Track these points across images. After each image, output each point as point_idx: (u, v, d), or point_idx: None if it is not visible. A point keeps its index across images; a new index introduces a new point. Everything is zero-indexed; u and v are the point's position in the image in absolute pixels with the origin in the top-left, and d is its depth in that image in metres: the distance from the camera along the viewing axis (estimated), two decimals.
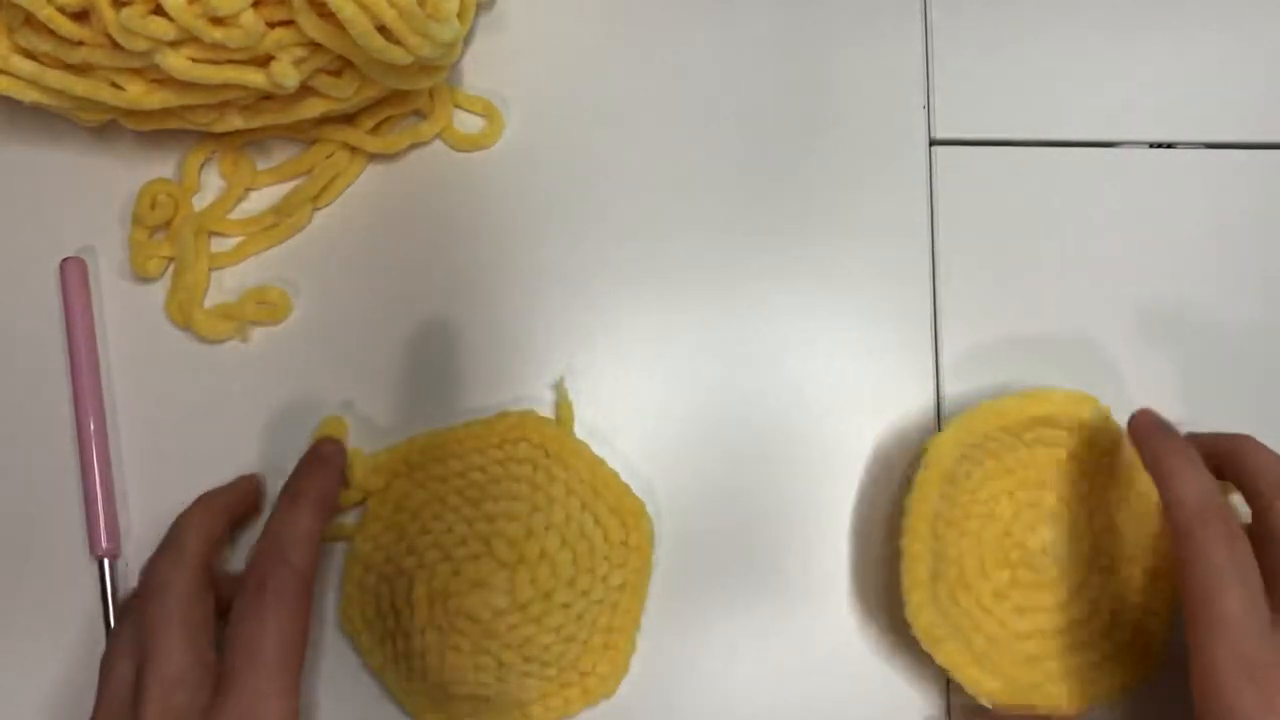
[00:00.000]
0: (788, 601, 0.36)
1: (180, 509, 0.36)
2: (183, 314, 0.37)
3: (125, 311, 0.38)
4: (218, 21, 0.33)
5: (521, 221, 0.38)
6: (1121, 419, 0.37)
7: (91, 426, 0.36)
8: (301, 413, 0.37)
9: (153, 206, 0.38)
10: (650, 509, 0.36)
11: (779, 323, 0.38)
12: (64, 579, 0.36)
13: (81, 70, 0.34)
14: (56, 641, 0.35)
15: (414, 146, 0.39)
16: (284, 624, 0.30)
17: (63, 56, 0.34)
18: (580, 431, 0.37)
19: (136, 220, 0.38)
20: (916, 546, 0.33)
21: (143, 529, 0.36)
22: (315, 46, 0.34)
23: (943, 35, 0.40)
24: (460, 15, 0.35)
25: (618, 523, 0.35)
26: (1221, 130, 0.39)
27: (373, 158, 0.39)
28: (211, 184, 0.39)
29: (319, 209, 0.38)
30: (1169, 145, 0.39)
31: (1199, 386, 0.37)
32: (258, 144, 0.39)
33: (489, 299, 0.38)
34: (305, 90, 0.36)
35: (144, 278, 0.37)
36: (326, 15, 0.33)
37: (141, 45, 0.33)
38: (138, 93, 0.35)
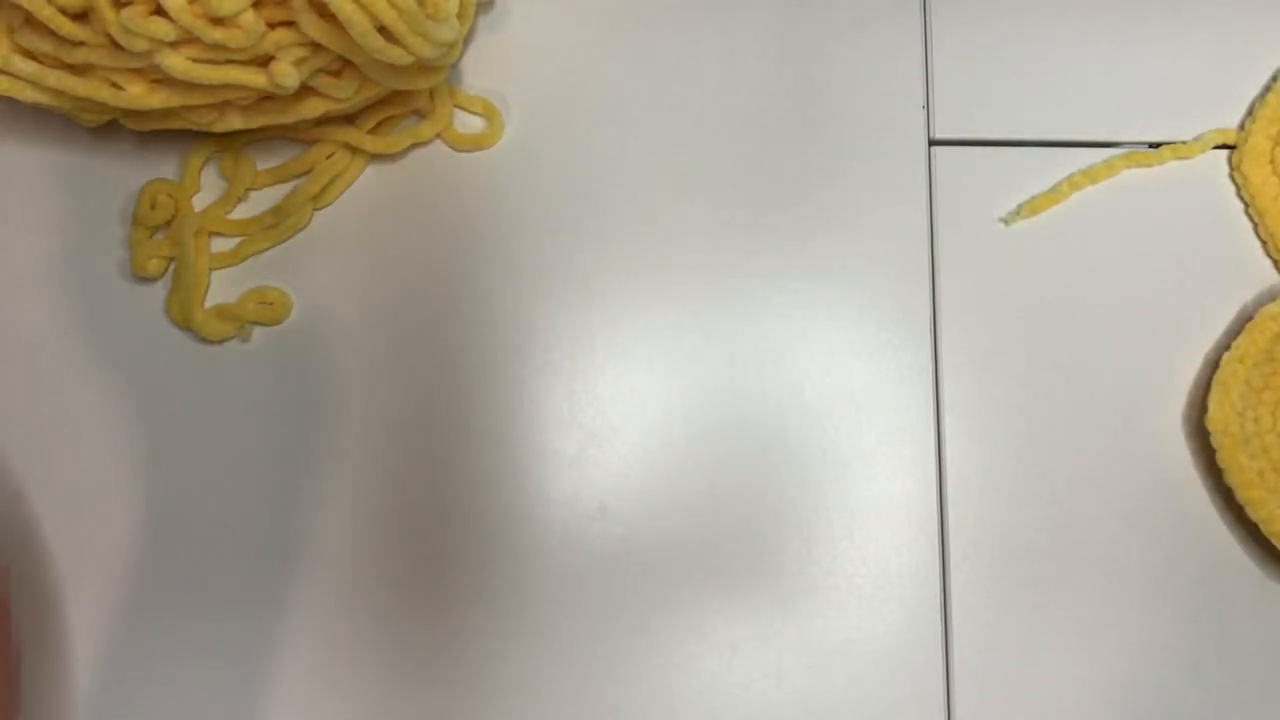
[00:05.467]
0: (788, 601, 0.36)
1: (182, 508, 0.36)
2: (183, 314, 0.37)
3: (125, 311, 0.38)
4: (218, 22, 0.33)
5: (521, 221, 0.38)
6: (1122, 417, 0.37)
7: None
8: (301, 413, 0.37)
9: (153, 206, 0.38)
10: (650, 509, 0.36)
11: (779, 323, 0.38)
12: None
13: (82, 71, 0.35)
14: None
15: (414, 146, 0.39)
16: None
17: (63, 57, 0.34)
18: (579, 432, 0.37)
19: (136, 220, 0.38)
20: (1229, 378, 0.35)
21: (141, 529, 0.36)
22: (315, 47, 0.34)
23: (943, 35, 0.40)
24: (460, 15, 0.35)
25: None
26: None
27: (373, 158, 0.39)
28: (211, 184, 0.39)
29: (319, 209, 0.38)
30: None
31: (1199, 383, 0.37)
32: (258, 144, 0.39)
33: (489, 299, 0.38)
34: (305, 90, 0.36)
35: (144, 278, 0.37)
36: (327, 15, 0.33)
37: (142, 45, 0.33)
38: (138, 93, 0.35)
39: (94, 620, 0.35)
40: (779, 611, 0.36)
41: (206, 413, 0.37)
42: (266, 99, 0.36)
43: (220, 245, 0.38)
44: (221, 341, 0.37)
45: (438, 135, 0.39)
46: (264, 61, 0.34)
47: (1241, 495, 0.35)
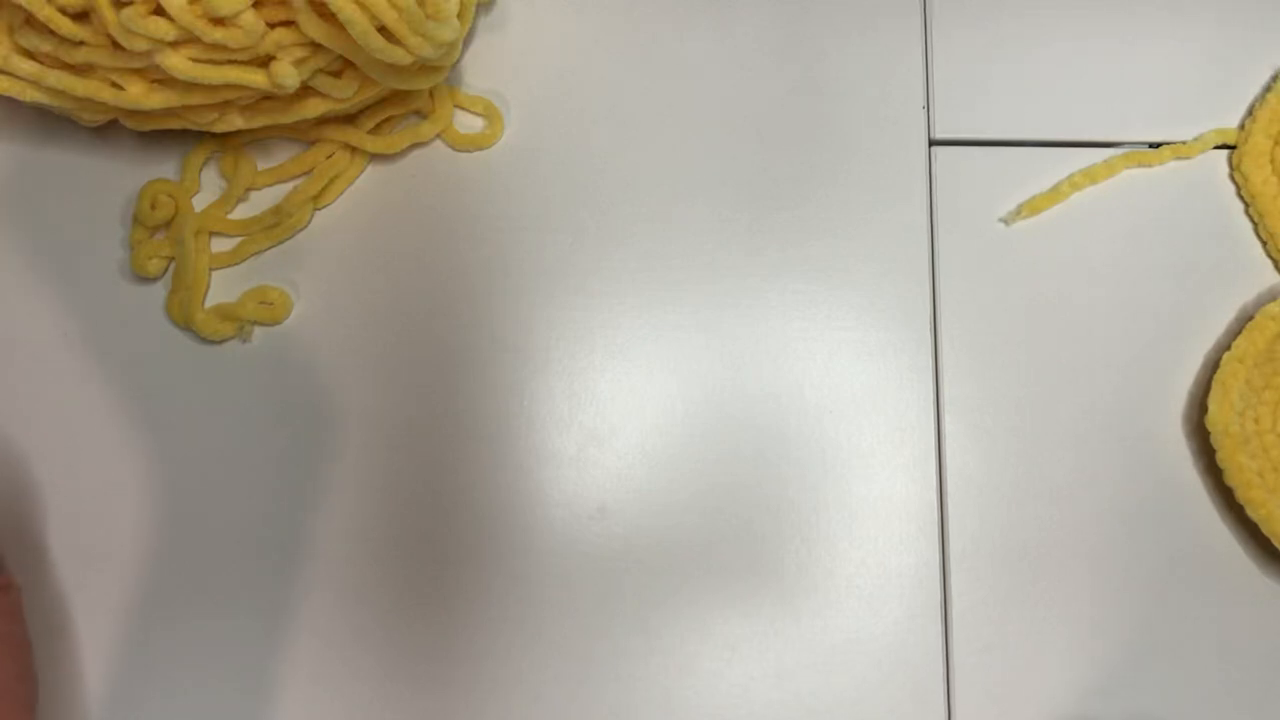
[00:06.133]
0: (788, 601, 0.36)
1: (182, 509, 0.36)
2: (183, 314, 0.37)
3: (125, 311, 0.38)
4: (218, 22, 0.33)
5: (521, 221, 0.38)
6: (1122, 417, 0.37)
7: None
8: (301, 413, 0.37)
9: (153, 206, 0.38)
10: (650, 509, 0.36)
11: (779, 323, 0.38)
12: None
13: (82, 70, 0.35)
14: None
15: (414, 146, 0.39)
16: None
17: (63, 57, 0.34)
18: (579, 432, 0.37)
19: (136, 220, 0.38)
20: (1229, 379, 0.35)
21: (142, 530, 0.36)
22: (315, 47, 0.34)
23: (943, 35, 0.40)
24: (460, 15, 0.35)
25: None
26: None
27: (373, 158, 0.39)
28: (211, 184, 0.39)
29: (319, 209, 0.38)
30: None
31: (1199, 383, 0.37)
32: (258, 144, 0.39)
33: (489, 299, 0.38)
34: (306, 90, 0.36)
35: (144, 278, 0.38)
36: (327, 16, 0.33)
37: (142, 45, 0.33)
38: (138, 93, 0.35)
39: (95, 619, 0.35)
40: (779, 611, 0.36)
41: (207, 413, 0.37)
42: (267, 99, 0.36)
43: (220, 245, 0.38)
44: (221, 341, 0.37)
45: (438, 135, 0.39)
46: (264, 61, 0.34)
47: (1241, 495, 0.35)
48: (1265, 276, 0.38)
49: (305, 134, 0.38)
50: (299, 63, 0.34)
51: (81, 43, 0.34)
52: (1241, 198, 0.38)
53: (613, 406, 0.37)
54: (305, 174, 0.38)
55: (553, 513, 0.36)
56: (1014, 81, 0.39)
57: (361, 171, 0.39)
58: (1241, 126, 0.39)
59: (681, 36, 0.40)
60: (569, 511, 0.36)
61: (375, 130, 0.38)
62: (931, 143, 0.39)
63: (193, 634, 0.35)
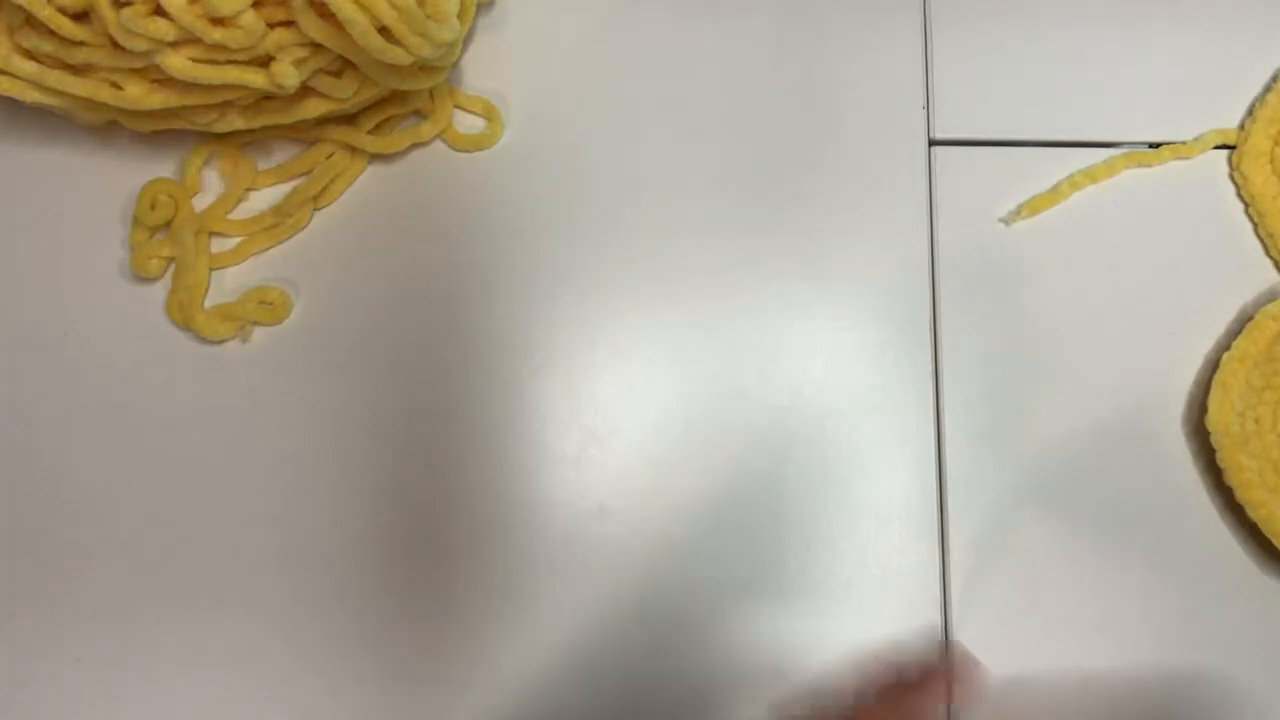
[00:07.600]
0: (788, 601, 0.36)
1: (181, 509, 0.36)
2: (183, 314, 0.37)
3: (125, 311, 0.38)
4: (218, 22, 0.33)
5: (521, 222, 0.38)
6: (1122, 417, 0.37)
7: None
8: (301, 413, 0.37)
9: (153, 206, 0.38)
10: (650, 509, 0.36)
11: (779, 323, 0.38)
12: None
13: (82, 71, 0.35)
14: None
15: (414, 147, 0.39)
16: None
17: (63, 57, 0.34)
18: (579, 432, 0.37)
19: (136, 220, 0.38)
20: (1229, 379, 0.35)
21: (141, 530, 0.36)
22: (315, 47, 0.34)
23: (943, 35, 0.40)
24: (460, 15, 0.35)
25: None
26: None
27: (373, 158, 0.39)
28: (212, 184, 0.39)
29: (319, 209, 0.38)
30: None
31: (1199, 383, 0.37)
32: (258, 144, 0.39)
33: (489, 299, 0.38)
34: (306, 91, 0.36)
35: (144, 278, 0.38)
36: (327, 16, 0.33)
37: (142, 46, 0.33)
38: (138, 93, 0.35)
39: (94, 619, 0.35)
40: (779, 611, 0.36)
41: (206, 413, 0.37)
42: (267, 99, 0.36)
43: (220, 245, 0.38)
44: (221, 341, 0.37)
45: (438, 135, 0.39)
46: (264, 61, 0.34)
47: (1241, 495, 0.35)
48: (1265, 276, 0.38)
49: (305, 134, 0.38)
50: (299, 63, 0.34)
51: (81, 43, 0.34)
52: (1241, 198, 0.38)
53: (613, 406, 0.37)
54: (305, 174, 0.38)
55: (553, 513, 0.36)
56: (1014, 81, 0.39)
57: (361, 172, 0.39)
58: (1241, 126, 0.39)
59: (681, 36, 0.40)
60: (569, 511, 0.36)
61: (375, 130, 0.38)
62: (931, 143, 0.39)
63: (193, 634, 0.35)
